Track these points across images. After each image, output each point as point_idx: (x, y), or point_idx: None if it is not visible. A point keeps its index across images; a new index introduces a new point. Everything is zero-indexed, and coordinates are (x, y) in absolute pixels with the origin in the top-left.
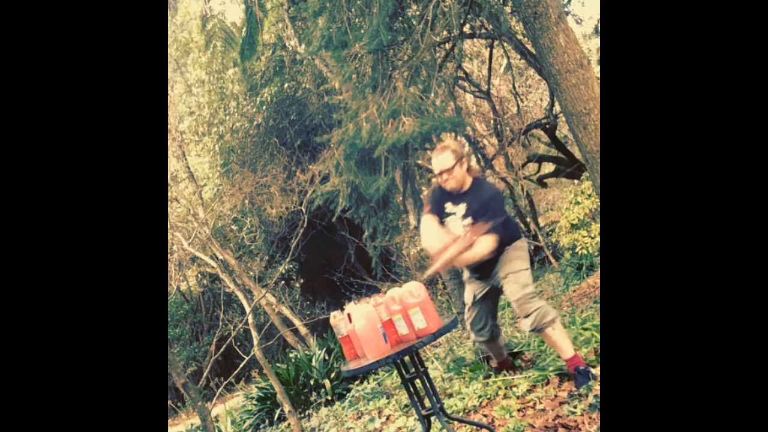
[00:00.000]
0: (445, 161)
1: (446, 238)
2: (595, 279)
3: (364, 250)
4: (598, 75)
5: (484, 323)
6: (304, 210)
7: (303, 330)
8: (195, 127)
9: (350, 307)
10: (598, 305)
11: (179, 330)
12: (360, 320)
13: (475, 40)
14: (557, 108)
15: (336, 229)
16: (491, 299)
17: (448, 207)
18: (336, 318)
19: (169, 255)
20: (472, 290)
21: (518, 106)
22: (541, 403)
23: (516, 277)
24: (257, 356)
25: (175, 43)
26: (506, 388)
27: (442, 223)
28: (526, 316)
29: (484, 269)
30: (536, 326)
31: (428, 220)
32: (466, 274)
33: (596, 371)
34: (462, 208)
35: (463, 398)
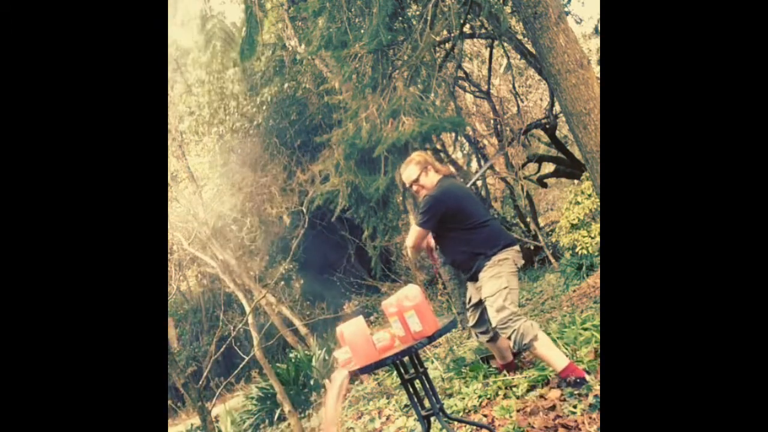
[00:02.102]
0: (411, 173)
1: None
2: (595, 279)
3: (364, 250)
4: (598, 75)
5: (486, 328)
6: (304, 210)
7: (303, 330)
8: (195, 127)
9: (341, 326)
10: (598, 305)
11: (179, 330)
12: (349, 328)
13: (475, 40)
14: (557, 108)
15: (336, 229)
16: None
17: None
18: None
19: (169, 255)
20: (469, 292)
21: (518, 106)
22: (543, 399)
23: (492, 301)
24: (257, 356)
25: (175, 43)
26: (506, 388)
27: None
28: (507, 338)
29: (465, 272)
30: (518, 348)
31: None
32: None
33: (592, 376)
34: None
35: (463, 398)
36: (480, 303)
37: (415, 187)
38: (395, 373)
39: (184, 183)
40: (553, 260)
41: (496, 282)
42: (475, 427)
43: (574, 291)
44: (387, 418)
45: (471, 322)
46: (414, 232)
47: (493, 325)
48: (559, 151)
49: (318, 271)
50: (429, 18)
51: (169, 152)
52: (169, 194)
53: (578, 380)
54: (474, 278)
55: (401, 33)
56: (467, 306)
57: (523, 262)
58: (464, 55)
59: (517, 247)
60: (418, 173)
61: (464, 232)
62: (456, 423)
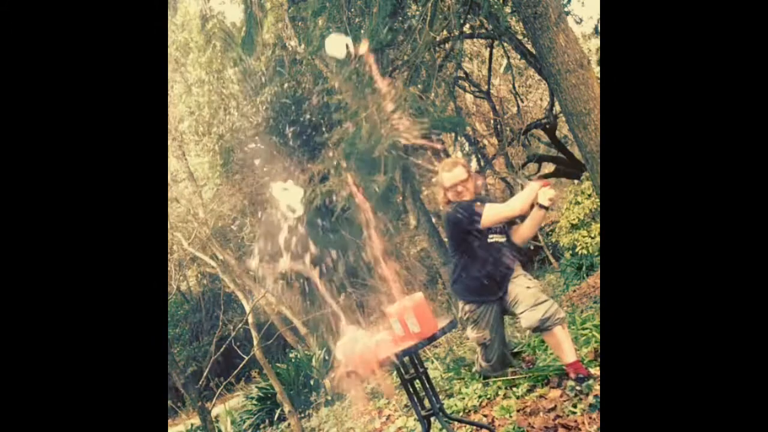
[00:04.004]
0: (460, 174)
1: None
2: (595, 279)
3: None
4: (598, 75)
5: (496, 357)
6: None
7: (303, 330)
8: (195, 127)
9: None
10: (598, 305)
11: (179, 330)
12: (345, 347)
13: (475, 40)
14: (557, 108)
15: (336, 229)
16: (502, 326)
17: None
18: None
19: (169, 255)
20: (478, 335)
21: (518, 106)
22: (543, 399)
23: (530, 277)
24: (257, 356)
25: (175, 43)
26: (506, 388)
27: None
28: (536, 306)
29: (499, 289)
30: (546, 318)
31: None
32: (469, 324)
33: (595, 372)
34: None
35: (463, 398)
36: (492, 334)
37: (460, 188)
38: (395, 373)
39: (184, 183)
40: (553, 260)
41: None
42: (475, 427)
43: (574, 291)
44: (387, 418)
45: (491, 360)
46: (505, 212)
47: (530, 287)
48: (559, 151)
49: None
50: (428, 17)
51: (169, 152)
52: (169, 194)
53: (581, 377)
54: (504, 285)
55: (401, 33)
56: (483, 350)
57: None
58: (464, 55)
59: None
60: (467, 175)
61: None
62: (456, 423)
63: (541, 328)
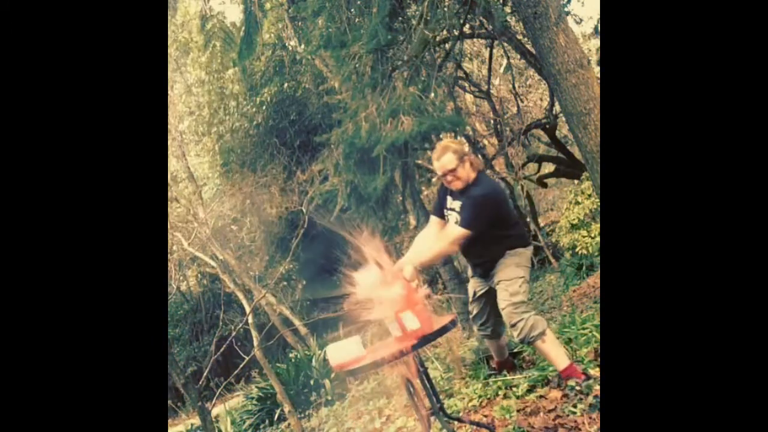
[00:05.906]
0: (448, 162)
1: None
2: (595, 279)
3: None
4: (598, 75)
5: (485, 319)
6: (304, 210)
7: (303, 330)
8: (195, 127)
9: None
10: (598, 305)
11: (179, 330)
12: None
13: (475, 40)
14: (557, 108)
15: (336, 228)
16: (492, 298)
17: (449, 201)
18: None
19: (169, 255)
20: (473, 287)
21: (518, 106)
22: (543, 399)
23: (507, 285)
24: (257, 356)
25: (175, 43)
26: (506, 388)
27: (443, 216)
28: (513, 326)
29: (483, 268)
30: (524, 338)
31: (430, 222)
32: (469, 271)
33: (595, 372)
34: (458, 205)
35: (463, 398)
36: (483, 295)
37: (449, 178)
38: (395, 372)
39: (184, 183)
40: (553, 260)
41: (517, 270)
42: (475, 427)
43: (574, 291)
44: (387, 418)
45: (471, 314)
46: (458, 235)
47: (503, 306)
48: (559, 151)
49: (318, 270)
50: (424, 13)
51: (169, 152)
52: (169, 194)
53: (577, 382)
54: (484, 275)
55: (400, 33)
56: (471, 300)
57: (531, 264)
58: (464, 55)
59: (531, 247)
60: (456, 164)
61: (502, 230)
62: (456, 423)
63: (525, 342)
